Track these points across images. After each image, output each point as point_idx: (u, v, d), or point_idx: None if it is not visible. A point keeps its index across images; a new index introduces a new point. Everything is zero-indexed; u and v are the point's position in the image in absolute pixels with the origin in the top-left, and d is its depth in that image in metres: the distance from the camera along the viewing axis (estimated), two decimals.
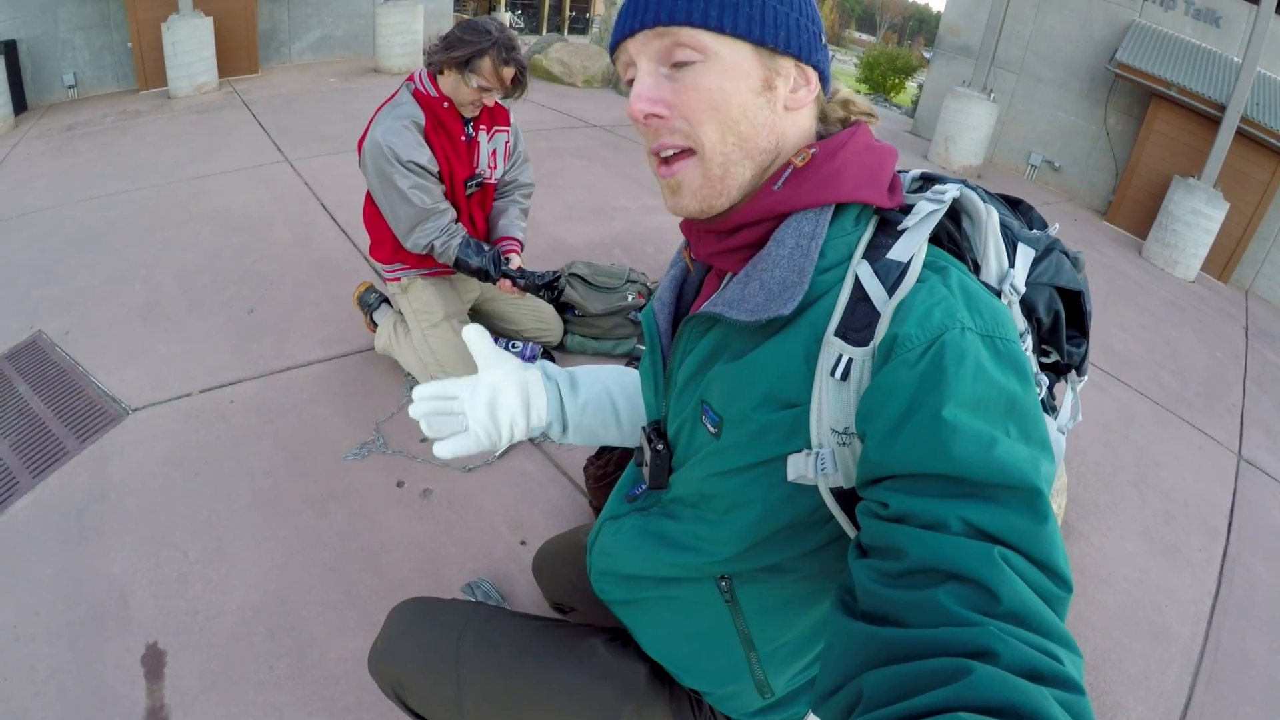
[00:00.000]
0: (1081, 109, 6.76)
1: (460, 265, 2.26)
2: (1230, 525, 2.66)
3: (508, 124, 2.38)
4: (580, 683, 0.98)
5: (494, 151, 2.36)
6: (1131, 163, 6.27)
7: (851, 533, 0.69)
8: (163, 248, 3.36)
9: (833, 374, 0.65)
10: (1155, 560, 2.40)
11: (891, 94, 17.61)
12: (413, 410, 0.91)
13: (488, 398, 0.91)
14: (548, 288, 2.35)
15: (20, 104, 5.81)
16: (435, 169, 2.20)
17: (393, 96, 2.22)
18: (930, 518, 0.53)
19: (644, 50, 0.70)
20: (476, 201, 2.41)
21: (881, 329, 0.63)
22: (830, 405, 0.65)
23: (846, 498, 0.67)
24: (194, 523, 1.95)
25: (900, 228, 0.69)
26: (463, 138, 2.25)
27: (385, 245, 2.33)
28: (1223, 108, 5.31)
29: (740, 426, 0.72)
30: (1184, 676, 2.00)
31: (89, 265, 3.19)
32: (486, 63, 2.07)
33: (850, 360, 0.64)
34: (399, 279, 2.39)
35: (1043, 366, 0.82)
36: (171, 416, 2.32)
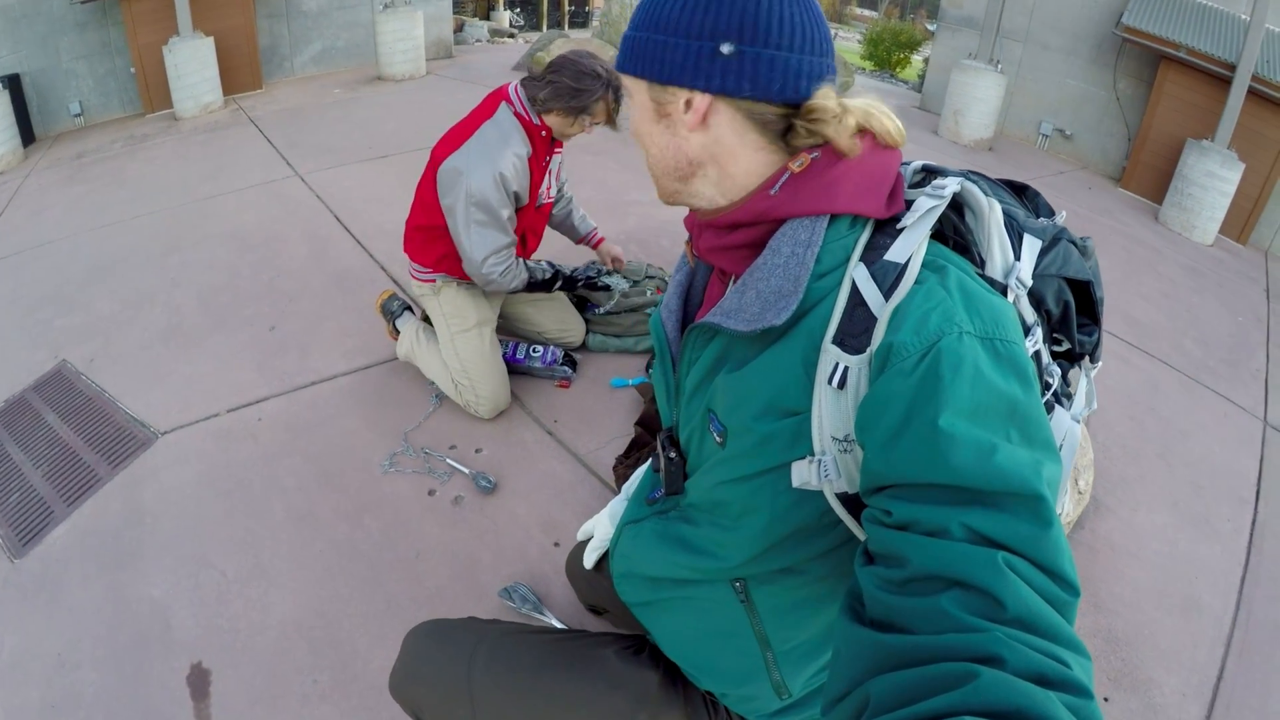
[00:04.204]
0: (1090, 75, 6.64)
1: (532, 287, 2.41)
2: (1258, 493, 2.63)
3: (562, 146, 2.43)
4: (593, 694, 1.00)
5: (555, 173, 2.43)
6: (1143, 127, 6.16)
7: (861, 535, 0.70)
8: (180, 270, 3.40)
9: (830, 382, 0.65)
10: (1184, 532, 2.38)
11: (897, 69, 17.42)
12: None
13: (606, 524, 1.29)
14: (591, 284, 2.67)
15: (29, 136, 5.86)
16: (525, 200, 2.27)
17: (486, 111, 2.21)
18: (932, 525, 0.54)
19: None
20: (537, 219, 2.48)
21: (878, 335, 0.63)
22: (829, 413, 0.66)
23: (853, 501, 0.68)
24: (230, 542, 1.98)
25: (899, 226, 0.69)
26: (545, 161, 2.32)
27: (434, 249, 2.32)
28: (1233, 67, 5.20)
29: (743, 436, 0.73)
30: (1216, 648, 1.99)
31: (109, 291, 3.24)
32: (601, 106, 2.17)
33: (846, 369, 0.64)
34: (434, 280, 2.38)
35: (1055, 355, 0.81)
36: (200, 438, 2.36)
